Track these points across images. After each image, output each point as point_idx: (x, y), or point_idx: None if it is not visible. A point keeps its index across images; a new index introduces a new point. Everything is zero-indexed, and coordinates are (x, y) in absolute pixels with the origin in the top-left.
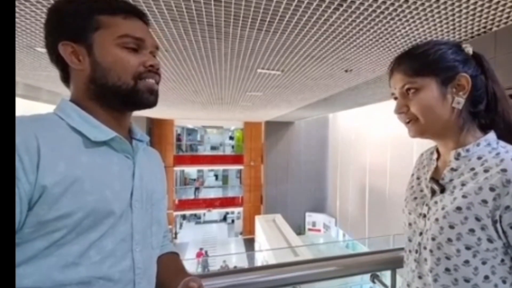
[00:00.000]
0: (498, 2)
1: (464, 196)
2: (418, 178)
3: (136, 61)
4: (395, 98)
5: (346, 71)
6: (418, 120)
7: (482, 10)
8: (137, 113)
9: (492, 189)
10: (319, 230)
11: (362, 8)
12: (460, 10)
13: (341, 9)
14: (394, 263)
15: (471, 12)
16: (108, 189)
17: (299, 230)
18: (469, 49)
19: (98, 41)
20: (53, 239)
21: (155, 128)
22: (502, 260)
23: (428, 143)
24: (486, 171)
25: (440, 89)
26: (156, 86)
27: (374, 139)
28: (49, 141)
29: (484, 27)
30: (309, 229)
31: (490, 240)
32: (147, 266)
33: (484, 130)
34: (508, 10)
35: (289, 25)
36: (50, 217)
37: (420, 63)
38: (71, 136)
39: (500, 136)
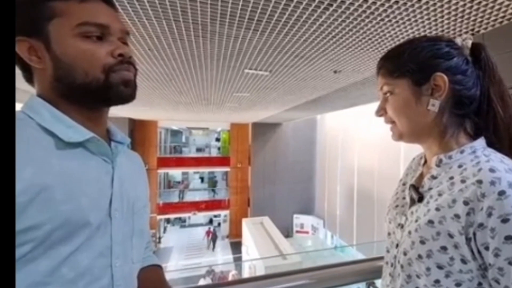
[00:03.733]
0: (486, 5)
1: (437, 209)
2: (404, 184)
3: (103, 52)
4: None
5: (335, 72)
6: (395, 123)
7: (470, 13)
8: (118, 114)
9: (465, 203)
10: (307, 232)
11: (351, 8)
12: (449, 12)
13: (331, 9)
14: (373, 273)
15: (460, 15)
16: (84, 196)
17: (287, 232)
18: (467, 41)
19: (54, 33)
20: (19, 254)
21: (138, 130)
22: (480, 284)
23: (415, 146)
24: (462, 181)
25: (412, 90)
26: (132, 77)
27: (362, 141)
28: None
29: (472, 29)
30: (297, 231)
31: (463, 261)
32: (127, 282)
33: (475, 135)
34: (495, 13)
35: (277, 25)
36: (16, 230)
37: (394, 64)
38: (41, 137)
39: (489, 143)
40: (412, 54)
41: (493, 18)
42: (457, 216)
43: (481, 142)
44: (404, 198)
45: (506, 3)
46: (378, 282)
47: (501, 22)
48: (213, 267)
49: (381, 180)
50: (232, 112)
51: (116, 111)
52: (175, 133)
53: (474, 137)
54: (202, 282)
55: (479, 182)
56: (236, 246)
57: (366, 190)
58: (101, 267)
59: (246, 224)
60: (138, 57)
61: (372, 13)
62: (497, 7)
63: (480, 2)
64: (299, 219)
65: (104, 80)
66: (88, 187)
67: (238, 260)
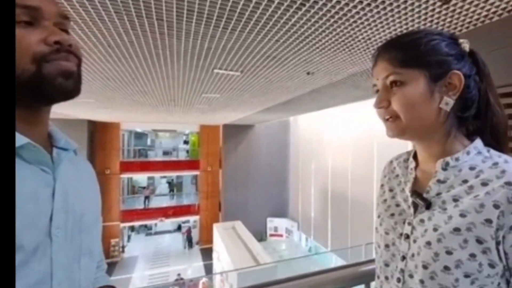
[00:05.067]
0: (454, 10)
1: (462, 215)
2: (391, 190)
3: (33, 38)
4: (377, 91)
5: (308, 73)
6: (398, 118)
7: (439, 17)
8: (76, 116)
9: (496, 206)
10: (281, 236)
11: (324, 9)
12: (419, 17)
13: (303, 9)
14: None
15: (429, 19)
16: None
17: (261, 236)
18: (465, 45)
19: None
20: None
21: (98, 132)
22: (498, 284)
23: (388, 147)
24: (484, 184)
25: (428, 85)
26: (74, 68)
27: (335, 142)
28: None
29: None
30: (271, 235)
31: (492, 265)
32: None
33: (470, 136)
34: (463, 18)
35: (248, 24)
36: None
37: (409, 53)
38: None
39: (486, 145)
40: (431, 46)
41: (460, 23)
42: (488, 221)
43: (479, 142)
44: (398, 205)
45: (473, 9)
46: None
47: (467, 27)
48: (181, 275)
49: (355, 181)
50: (202, 113)
51: (73, 113)
52: (140, 136)
53: (470, 137)
54: None
55: (508, 184)
56: (207, 253)
57: (340, 191)
58: None
59: (217, 230)
60: (97, 55)
61: (345, 14)
62: (464, 12)
63: (448, 8)
64: (273, 222)
65: (35, 72)
66: (21, 202)
67: (209, 267)
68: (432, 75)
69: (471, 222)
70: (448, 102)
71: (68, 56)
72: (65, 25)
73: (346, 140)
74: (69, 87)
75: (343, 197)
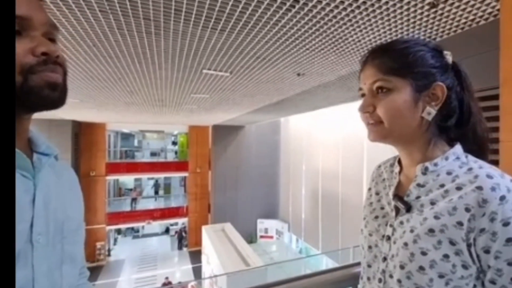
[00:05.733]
0: (441, 14)
1: (436, 217)
2: (377, 194)
3: (21, 49)
4: (363, 95)
5: (298, 74)
6: (382, 123)
7: (427, 21)
8: (60, 116)
9: (467, 209)
10: (271, 237)
11: (314, 11)
12: (408, 20)
13: (293, 10)
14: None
15: (418, 22)
16: None
17: (251, 238)
18: (449, 57)
19: None
20: None
21: (83, 133)
22: (474, 286)
23: (378, 147)
24: (459, 188)
25: (413, 94)
26: (60, 79)
27: (326, 143)
28: None
29: (429, 37)
30: (261, 236)
31: (465, 266)
32: None
33: (451, 142)
34: (450, 22)
35: (237, 24)
36: None
37: (399, 61)
38: None
39: (469, 151)
40: (419, 57)
41: (448, 26)
42: (460, 223)
43: (459, 148)
44: (382, 208)
45: (460, 13)
46: None
47: (455, 31)
48: (169, 279)
49: (346, 182)
50: (191, 114)
51: (57, 113)
52: (127, 137)
53: (451, 143)
54: None
55: (479, 188)
56: (196, 256)
57: (331, 192)
58: None
59: (207, 232)
60: (81, 54)
61: (334, 16)
62: (452, 16)
63: (436, 11)
64: (263, 224)
65: (22, 83)
66: None
67: (198, 270)
68: (418, 85)
69: (444, 224)
70: (430, 112)
71: (55, 68)
72: (54, 34)
73: (336, 141)
74: (55, 98)
75: (333, 198)
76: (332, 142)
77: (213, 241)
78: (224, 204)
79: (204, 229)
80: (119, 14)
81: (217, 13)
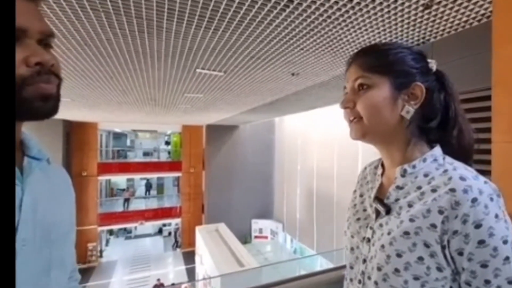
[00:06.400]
0: (435, 15)
1: (411, 220)
2: (361, 196)
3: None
4: (346, 93)
5: (292, 74)
6: (362, 120)
7: (421, 22)
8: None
9: (440, 212)
10: (266, 237)
11: (308, 11)
12: (402, 21)
13: (287, 10)
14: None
15: (412, 23)
16: None
17: (245, 238)
18: (433, 65)
19: None
20: None
21: (75, 133)
22: None
23: (373, 147)
24: (433, 190)
25: (392, 92)
26: (54, 90)
27: (321, 143)
28: None
29: (423, 38)
30: (256, 237)
31: (439, 269)
32: None
33: (431, 145)
34: (444, 23)
35: (231, 24)
36: None
37: (379, 60)
38: None
39: (449, 152)
40: (399, 57)
41: (441, 28)
42: (433, 225)
43: (438, 150)
44: (365, 210)
45: (453, 14)
46: None
47: (449, 32)
48: (161, 280)
49: (340, 182)
50: (184, 113)
51: None
52: (119, 136)
53: (431, 145)
54: None
55: (452, 190)
56: (189, 256)
57: (326, 192)
58: None
59: (200, 232)
60: (72, 53)
61: (329, 16)
62: (445, 17)
63: (430, 13)
64: (257, 224)
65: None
66: None
67: (191, 271)
68: (397, 83)
69: (418, 226)
70: (409, 110)
71: (49, 78)
72: (49, 41)
73: (331, 140)
74: (48, 109)
75: (328, 198)
76: (327, 141)
77: (206, 241)
78: (218, 204)
79: (198, 229)
80: (111, 12)
81: (211, 12)
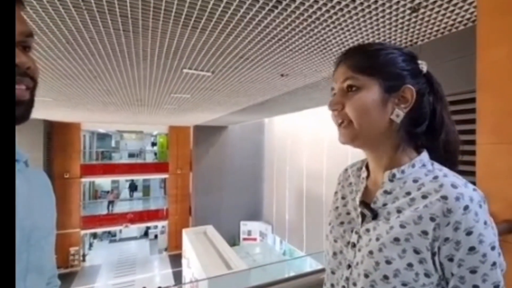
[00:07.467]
0: (422, 19)
1: (402, 226)
2: (343, 198)
3: None
4: (334, 94)
5: (282, 75)
6: (351, 123)
7: (409, 25)
8: (31, 115)
9: (432, 219)
10: (255, 239)
11: (297, 12)
12: (390, 23)
13: (276, 11)
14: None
15: (400, 26)
16: None
17: (234, 240)
18: (423, 66)
19: None
20: None
21: (57, 134)
22: None
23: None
24: (424, 197)
25: (382, 94)
26: (25, 94)
27: (310, 144)
28: None
29: (411, 40)
30: (244, 239)
31: (427, 275)
32: None
33: (418, 150)
34: (431, 26)
35: (219, 24)
36: None
37: (369, 61)
38: None
39: (439, 161)
40: (389, 58)
41: (428, 31)
42: (425, 232)
43: (425, 155)
44: (348, 213)
45: (440, 18)
46: None
47: (435, 35)
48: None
49: (330, 183)
50: (171, 114)
51: None
52: (103, 137)
53: (419, 150)
54: None
55: (444, 198)
56: (176, 259)
57: (315, 193)
58: None
59: (187, 235)
60: (54, 51)
61: (318, 18)
62: (432, 21)
63: (417, 16)
64: (246, 226)
65: None
66: None
67: (178, 275)
68: (387, 85)
69: (409, 233)
70: (399, 114)
71: (23, 80)
72: (28, 42)
73: (321, 141)
74: (18, 115)
75: (318, 199)
76: (316, 142)
77: (194, 244)
78: (206, 206)
79: (185, 232)
80: (94, 10)
81: (198, 12)
